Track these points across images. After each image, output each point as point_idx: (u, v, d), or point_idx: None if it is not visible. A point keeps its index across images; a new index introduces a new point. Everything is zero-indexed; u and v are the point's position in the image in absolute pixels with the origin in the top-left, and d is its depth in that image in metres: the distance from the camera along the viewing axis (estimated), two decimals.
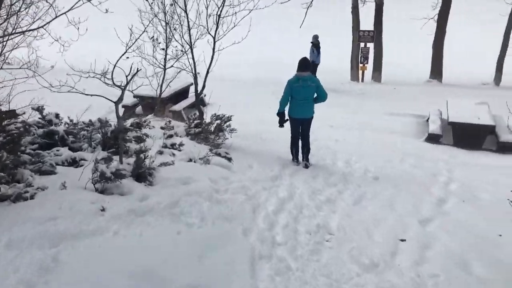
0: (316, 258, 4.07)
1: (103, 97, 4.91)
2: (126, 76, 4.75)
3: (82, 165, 5.21)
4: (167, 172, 5.21)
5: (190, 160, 6.04)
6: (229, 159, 6.44)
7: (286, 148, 7.79)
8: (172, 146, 6.37)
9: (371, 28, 16.44)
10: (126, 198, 4.35)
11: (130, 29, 5.20)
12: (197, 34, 8.00)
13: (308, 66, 7.14)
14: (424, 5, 18.24)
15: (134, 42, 4.95)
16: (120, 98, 4.89)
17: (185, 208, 4.48)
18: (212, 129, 7.69)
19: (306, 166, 7.29)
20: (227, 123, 7.75)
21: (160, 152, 5.95)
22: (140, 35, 5.23)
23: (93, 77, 4.55)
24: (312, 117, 7.41)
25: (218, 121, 7.71)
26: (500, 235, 4.91)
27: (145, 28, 5.24)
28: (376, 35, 16.08)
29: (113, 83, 4.80)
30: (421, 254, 4.25)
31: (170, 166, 5.28)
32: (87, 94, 4.61)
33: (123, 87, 4.80)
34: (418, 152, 8.59)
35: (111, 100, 4.94)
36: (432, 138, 9.46)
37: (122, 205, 4.14)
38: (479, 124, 9.13)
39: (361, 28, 16.37)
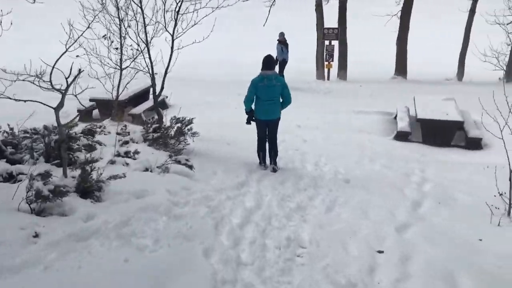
0: (287, 280, 3.57)
1: (40, 102, 4.25)
2: (66, 79, 4.11)
3: (20, 180, 4.54)
4: (118, 185, 4.59)
5: (147, 170, 5.44)
6: (190, 167, 5.87)
7: (253, 152, 7.29)
8: (126, 154, 5.74)
9: (336, 25, 16.16)
10: (67, 219, 3.73)
11: (70, 25, 4.55)
12: (154, 32, 7.37)
13: (273, 64, 6.66)
14: (388, 3, 18.19)
15: (76, 40, 4.30)
16: (60, 103, 4.25)
17: (138, 227, 3.89)
18: (173, 133, 7.09)
19: (274, 170, 6.81)
20: (189, 126, 7.17)
21: (112, 162, 5.32)
22: (83, 32, 4.58)
23: (24, 80, 3.89)
24: (279, 118, 6.93)
25: (179, 125, 7.12)
26: (481, 240, 4.56)
27: (89, 24, 4.60)
28: (340, 32, 15.81)
29: (52, 86, 4.15)
30: (402, 268, 3.83)
31: (122, 178, 4.66)
32: (18, 100, 3.95)
33: (63, 91, 4.16)
34: (388, 151, 8.26)
35: (49, 106, 4.29)
36: (401, 136, 9.17)
37: (61, 228, 3.51)
38: (447, 120, 8.90)
39: (325, 26, 16.07)
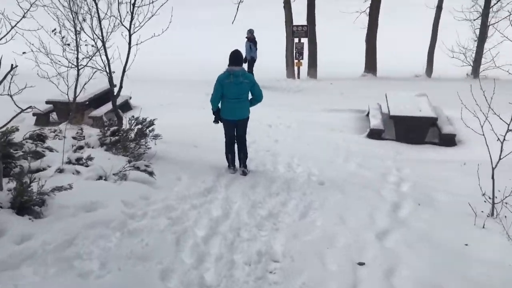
0: None
1: None
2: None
3: None
4: (65, 197, 3.98)
5: (101, 178, 4.83)
6: (151, 173, 5.29)
7: (221, 154, 6.76)
8: (78, 161, 5.11)
9: (305, 23, 15.80)
10: None
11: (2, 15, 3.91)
12: (111, 27, 6.74)
13: (240, 59, 6.16)
14: (355, 2, 18.00)
15: (9, 31, 3.68)
16: None
17: (84, 247, 3.31)
18: (133, 136, 6.49)
19: (244, 173, 6.30)
20: (150, 128, 6.58)
21: (60, 170, 4.69)
22: (18, 22, 3.95)
23: None
24: (247, 118, 6.44)
25: (139, 126, 6.52)
26: (466, 245, 4.19)
27: (24, 14, 3.97)
28: (309, 29, 15.45)
29: None
30: (387, 283, 3.39)
31: (69, 189, 4.05)
32: None
33: None
34: (362, 150, 7.88)
35: None
36: (374, 134, 8.83)
37: None
38: (421, 117, 8.61)
39: (294, 23, 15.67)
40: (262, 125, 9.46)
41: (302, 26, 15.41)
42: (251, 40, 13.31)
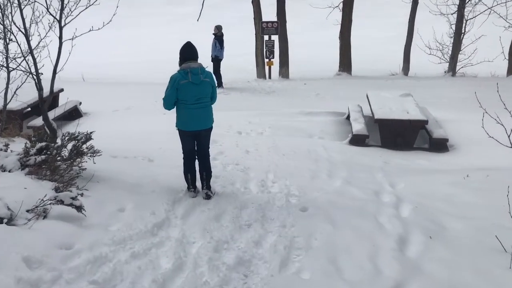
0: None
1: None
2: None
3: None
4: None
5: (1, 221, 3.41)
6: (79, 208, 3.90)
7: (182, 170, 5.45)
8: None
9: (275, 19, 14.57)
10: None
11: None
12: (33, 17, 5.28)
13: (196, 52, 4.84)
14: None
15: None
16: None
17: None
18: (67, 154, 5.06)
19: (208, 197, 5.00)
20: (88, 144, 5.17)
21: None
22: None
23: None
24: (211, 128, 5.13)
25: (74, 142, 5.09)
26: None
27: None
28: (280, 26, 14.23)
29: None
30: None
31: None
32: None
33: None
34: (346, 160, 6.69)
35: None
36: (358, 140, 7.66)
37: None
38: (410, 120, 7.50)
39: (263, 20, 14.42)
40: (231, 133, 8.17)
41: (272, 22, 14.18)
42: (218, 37, 11.96)
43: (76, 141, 5.04)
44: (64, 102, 9.61)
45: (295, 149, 7.11)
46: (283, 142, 7.50)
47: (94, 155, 5.08)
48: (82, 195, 4.31)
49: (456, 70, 14.41)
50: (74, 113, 9.51)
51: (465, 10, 13.65)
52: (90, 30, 5.28)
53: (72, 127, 8.99)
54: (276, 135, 8.07)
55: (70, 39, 5.19)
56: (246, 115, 9.23)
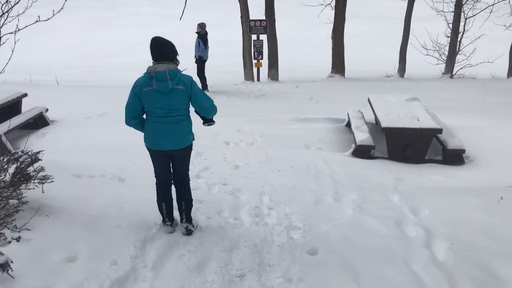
0: None
1: None
2: None
3: None
4: None
5: None
6: (3, 267, 2.75)
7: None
8: None
9: (263, 17, 13.50)
10: None
11: None
12: None
13: (167, 51, 3.71)
14: None
15: None
16: None
17: None
18: (8, 178, 3.91)
19: (188, 232, 3.91)
20: (37, 165, 4.02)
21: None
22: None
23: None
24: (188, 148, 3.96)
25: (18, 164, 3.94)
26: None
27: None
28: (269, 25, 13.17)
29: None
30: None
31: None
32: None
33: None
34: (351, 176, 5.65)
35: None
36: (362, 152, 6.64)
37: None
38: (422, 128, 6.49)
39: (251, 18, 13.34)
40: (217, 143, 7.08)
41: (261, 21, 13.10)
42: (201, 36, 10.83)
43: (20, 163, 3.88)
44: (29, 108, 8.39)
45: (292, 163, 6.05)
46: (277, 154, 6.43)
47: (44, 181, 3.92)
48: (18, 239, 3.18)
49: (455, 72, 13.52)
50: (39, 121, 8.30)
51: (465, 8, 12.76)
52: (37, 21, 4.13)
53: (35, 138, 7.82)
54: (269, 145, 7.01)
55: (12, 33, 4.02)
56: (234, 123, 8.14)
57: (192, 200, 4.06)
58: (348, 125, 7.94)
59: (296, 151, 6.67)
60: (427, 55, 13.67)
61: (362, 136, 6.78)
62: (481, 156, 6.59)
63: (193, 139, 3.90)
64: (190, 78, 3.71)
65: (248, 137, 7.37)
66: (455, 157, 6.49)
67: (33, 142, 7.38)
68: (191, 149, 3.92)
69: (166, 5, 31.54)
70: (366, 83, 12.05)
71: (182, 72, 3.73)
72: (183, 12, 13.83)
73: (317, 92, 10.92)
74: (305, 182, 5.32)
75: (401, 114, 6.94)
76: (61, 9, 4.14)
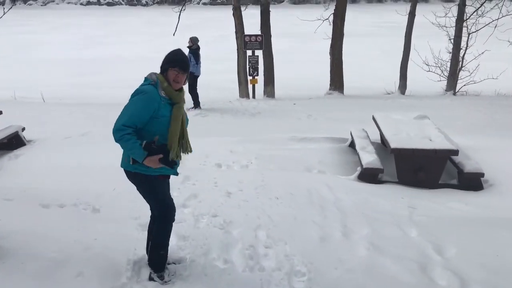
0: None
1: None
2: None
3: None
4: None
5: None
6: None
7: (136, 228, 3.63)
8: None
9: (259, 32, 12.93)
10: None
11: None
12: None
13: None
14: (316, 10, 15.44)
15: None
16: None
17: None
18: None
19: (150, 279, 3.17)
20: None
21: None
22: None
23: None
24: (131, 173, 3.22)
25: None
26: None
27: None
28: (264, 40, 12.58)
29: None
30: None
31: None
32: None
33: None
34: (360, 205, 4.94)
35: None
36: (369, 175, 5.93)
37: None
38: (435, 150, 5.80)
39: (246, 33, 12.75)
40: (208, 166, 6.36)
41: (256, 36, 12.52)
42: (193, 50, 10.19)
43: None
44: (4, 127, 7.65)
45: (291, 189, 5.33)
46: (274, 179, 5.71)
47: None
48: None
49: (458, 88, 12.94)
50: (14, 141, 7.53)
51: (468, 23, 12.26)
52: None
53: (7, 160, 7.06)
54: (265, 168, 6.29)
55: None
56: (227, 142, 7.43)
57: (158, 245, 3.27)
58: (352, 145, 7.25)
59: (296, 175, 5.95)
60: (429, 71, 13.09)
61: (369, 158, 6.08)
62: (502, 180, 5.90)
63: (137, 168, 3.12)
64: (137, 89, 3.08)
65: (242, 159, 6.64)
66: (472, 182, 5.79)
67: (4, 165, 6.65)
68: (139, 180, 3.16)
69: (161, 23, 31.18)
70: (366, 101, 11.43)
71: None
72: (176, 28, 13.25)
73: (315, 110, 10.26)
74: (307, 213, 4.60)
75: (411, 133, 6.26)
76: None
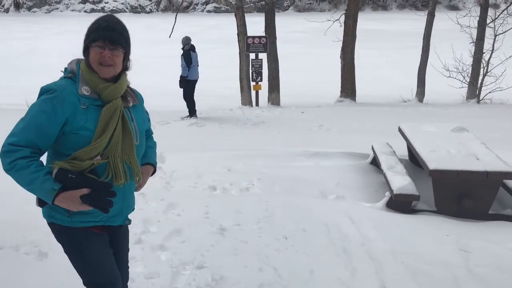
0: None
1: None
2: None
3: None
4: None
5: None
6: None
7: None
8: None
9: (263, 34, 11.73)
10: None
11: None
12: None
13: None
14: (321, 17, 14.25)
15: None
16: None
17: None
18: None
19: None
20: None
21: None
22: None
23: None
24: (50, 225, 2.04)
25: None
26: None
27: None
28: (269, 42, 11.39)
29: None
30: None
31: None
32: None
33: None
34: (397, 248, 3.69)
35: None
36: (401, 203, 4.65)
37: None
38: (487, 172, 4.51)
39: (249, 34, 11.56)
40: (199, 189, 5.11)
41: (260, 37, 11.32)
42: (185, 52, 8.93)
43: None
44: None
45: (304, 224, 4.07)
46: (282, 208, 4.46)
47: None
48: None
49: (479, 96, 11.66)
50: None
51: (495, 23, 11.00)
52: None
53: None
54: (270, 192, 5.03)
55: None
56: (225, 158, 6.18)
57: None
58: (374, 162, 5.98)
59: (309, 203, 4.68)
60: (449, 77, 11.82)
61: (401, 181, 4.78)
62: None
63: (51, 215, 1.94)
64: (43, 87, 1.90)
65: (242, 179, 5.38)
66: None
67: None
68: (56, 234, 2.01)
69: (162, 29, 30.11)
70: (383, 109, 10.16)
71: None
72: (172, 29, 12.08)
73: (327, 119, 8.99)
74: (328, 263, 3.34)
75: (451, 150, 4.98)
76: None
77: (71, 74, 1.86)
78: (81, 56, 1.94)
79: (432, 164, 4.61)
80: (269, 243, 3.66)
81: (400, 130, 6.04)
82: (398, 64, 19.33)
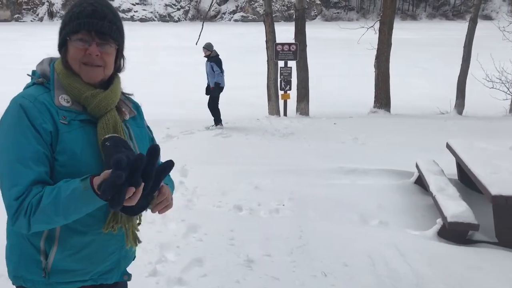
0: None
1: None
2: None
3: None
4: None
5: None
6: None
7: None
8: None
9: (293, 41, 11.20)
10: None
11: None
12: None
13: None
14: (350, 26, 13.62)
15: None
16: None
17: None
18: None
19: None
20: None
21: None
22: None
23: None
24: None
25: None
26: None
27: None
28: (299, 50, 10.84)
29: None
30: None
31: None
32: None
33: None
34: None
35: None
36: (456, 233, 3.99)
37: None
38: None
39: (278, 41, 11.04)
40: (224, 209, 4.58)
41: (289, 44, 10.78)
42: (212, 58, 8.50)
43: None
44: None
45: (345, 256, 3.47)
46: (318, 236, 3.87)
47: None
48: None
49: None
50: None
51: None
52: None
53: None
54: (303, 215, 4.45)
55: None
56: (252, 173, 5.64)
57: None
58: (419, 182, 5.32)
59: (349, 230, 4.08)
60: (492, 88, 10.97)
61: (456, 207, 4.11)
62: None
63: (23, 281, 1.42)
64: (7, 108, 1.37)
65: (270, 199, 4.81)
66: None
67: None
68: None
69: (190, 38, 30.01)
70: (421, 121, 9.43)
71: None
72: (199, 36, 11.70)
73: (361, 132, 8.33)
74: None
75: None
76: None
77: (42, 79, 1.35)
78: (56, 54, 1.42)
79: (494, 189, 3.93)
80: (305, 281, 3.08)
81: (448, 146, 5.36)
82: (431, 73, 18.47)
